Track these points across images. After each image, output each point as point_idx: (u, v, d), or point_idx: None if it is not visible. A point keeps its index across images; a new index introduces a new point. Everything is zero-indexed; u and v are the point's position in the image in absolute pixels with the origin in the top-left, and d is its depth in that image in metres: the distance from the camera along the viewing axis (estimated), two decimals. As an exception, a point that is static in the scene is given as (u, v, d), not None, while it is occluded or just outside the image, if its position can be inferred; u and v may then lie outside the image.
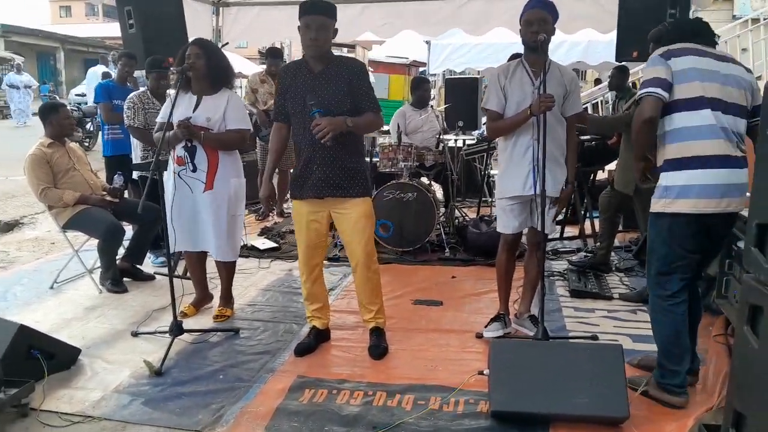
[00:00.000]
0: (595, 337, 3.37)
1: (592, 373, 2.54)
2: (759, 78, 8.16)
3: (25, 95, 16.52)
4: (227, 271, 3.82)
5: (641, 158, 2.71)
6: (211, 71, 3.47)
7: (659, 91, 2.51)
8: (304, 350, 3.28)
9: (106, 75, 9.20)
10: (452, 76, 10.72)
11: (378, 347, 3.27)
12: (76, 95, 14.59)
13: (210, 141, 3.49)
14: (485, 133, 6.09)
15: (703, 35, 2.67)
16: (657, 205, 2.62)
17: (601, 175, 5.98)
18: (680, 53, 2.57)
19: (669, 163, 2.58)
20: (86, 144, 11.90)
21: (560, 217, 3.51)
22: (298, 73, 3.11)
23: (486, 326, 3.46)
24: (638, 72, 9.85)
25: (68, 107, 5.43)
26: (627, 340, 3.38)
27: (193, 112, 3.49)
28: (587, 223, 5.46)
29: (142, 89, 4.80)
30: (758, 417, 1.95)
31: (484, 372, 2.80)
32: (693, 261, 2.64)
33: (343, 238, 3.30)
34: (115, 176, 4.47)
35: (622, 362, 2.57)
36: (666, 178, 2.59)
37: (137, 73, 5.67)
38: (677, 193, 2.54)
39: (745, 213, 2.27)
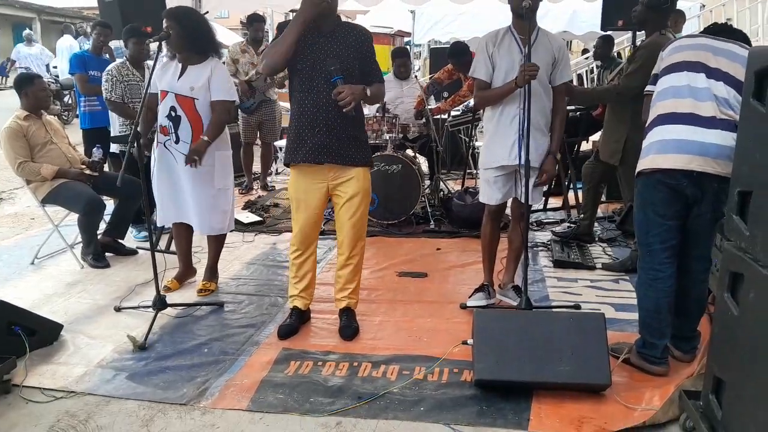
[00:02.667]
0: (577, 307, 3.40)
1: (574, 341, 2.56)
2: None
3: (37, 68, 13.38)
4: (216, 244, 3.79)
5: None
6: (188, 41, 3.37)
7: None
8: (288, 332, 3.19)
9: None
10: (437, 46, 10.62)
11: (349, 327, 3.19)
12: (54, 67, 14.07)
13: (214, 135, 3.43)
14: (470, 103, 6.06)
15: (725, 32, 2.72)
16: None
17: (585, 146, 5.99)
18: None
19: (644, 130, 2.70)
20: (65, 117, 11.67)
21: (544, 188, 3.50)
22: (304, 31, 2.89)
23: (470, 297, 3.48)
24: (623, 41, 9.83)
25: (45, 79, 5.31)
26: (609, 309, 3.41)
27: (177, 81, 3.42)
28: (571, 194, 5.48)
29: (120, 60, 4.69)
30: (737, 382, 1.98)
31: (468, 342, 2.81)
32: (671, 229, 2.59)
33: (336, 212, 3.16)
34: (94, 149, 4.39)
35: (605, 331, 2.59)
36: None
37: (115, 44, 5.53)
38: (643, 153, 2.62)
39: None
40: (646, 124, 2.70)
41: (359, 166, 3.05)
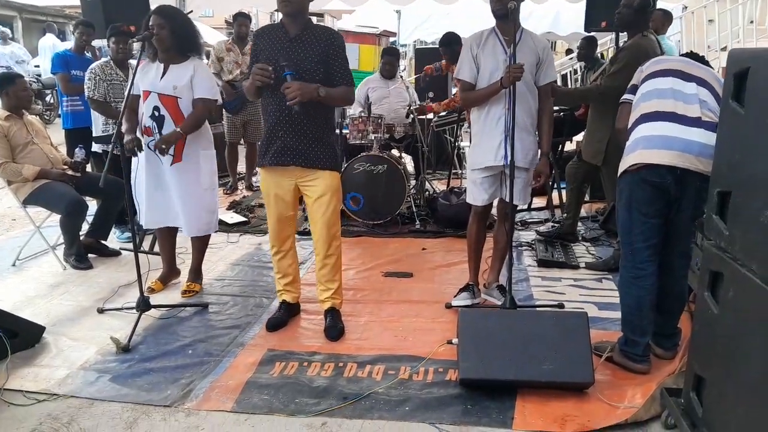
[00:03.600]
0: (561, 306, 3.43)
1: (558, 340, 2.58)
2: (724, 49, 8.27)
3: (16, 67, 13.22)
4: (200, 245, 3.77)
5: None
6: (176, 40, 3.35)
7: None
8: (275, 325, 3.25)
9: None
10: (423, 46, 10.64)
11: (335, 328, 3.19)
12: (35, 66, 13.89)
13: (188, 129, 3.39)
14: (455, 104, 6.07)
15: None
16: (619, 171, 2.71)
17: (569, 146, 6.03)
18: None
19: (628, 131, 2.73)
20: (47, 117, 11.54)
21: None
22: (273, 35, 3.00)
23: (455, 296, 3.49)
24: (606, 42, 9.91)
25: (26, 78, 5.24)
26: (593, 307, 3.44)
27: (160, 80, 3.39)
28: (555, 194, 5.52)
29: (104, 59, 4.64)
30: (717, 380, 2.01)
31: (453, 341, 2.83)
32: (654, 227, 2.62)
33: (309, 212, 3.19)
34: (77, 149, 4.35)
35: (587, 329, 2.62)
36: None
37: (98, 43, 5.48)
38: (628, 151, 2.65)
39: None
40: (628, 126, 2.75)
41: (325, 169, 3.04)
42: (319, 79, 2.91)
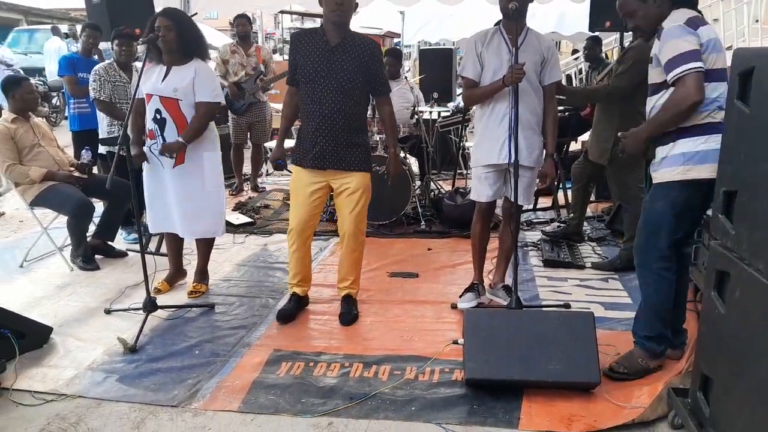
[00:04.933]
0: (567, 306, 3.42)
1: (564, 340, 2.58)
2: (729, 48, 8.24)
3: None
4: (205, 246, 3.78)
5: (651, 139, 2.58)
6: (182, 43, 3.36)
7: (700, 65, 2.36)
8: (286, 316, 3.35)
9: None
10: (427, 47, 10.64)
11: (349, 314, 3.34)
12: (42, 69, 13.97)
13: (190, 138, 3.40)
14: (460, 104, 6.08)
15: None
16: (672, 173, 2.50)
17: (574, 146, 6.02)
18: (701, 22, 2.46)
19: (688, 130, 2.46)
20: (53, 119, 11.60)
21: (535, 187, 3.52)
22: (314, 41, 3.12)
23: (460, 296, 3.49)
24: (611, 42, 9.89)
25: (33, 81, 5.28)
26: (599, 307, 3.44)
27: (161, 83, 3.40)
28: (560, 194, 5.52)
29: (108, 61, 4.67)
30: (724, 380, 2.01)
31: (459, 341, 2.83)
32: (683, 226, 2.60)
33: (338, 208, 3.34)
34: (83, 151, 4.37)
35: (594, 329, 2.61)
36: (683, 145, 2.46)
37: (103, 46, 5.51)
38: (698, 159, 2.44)
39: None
40: (696, 123, 2.46)
41: (359, 171, 3.23)
42: (358, 87, 3.12)
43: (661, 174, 2.56)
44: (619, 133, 2.74)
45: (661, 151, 2.56)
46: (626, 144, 2.65)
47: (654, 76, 2.58)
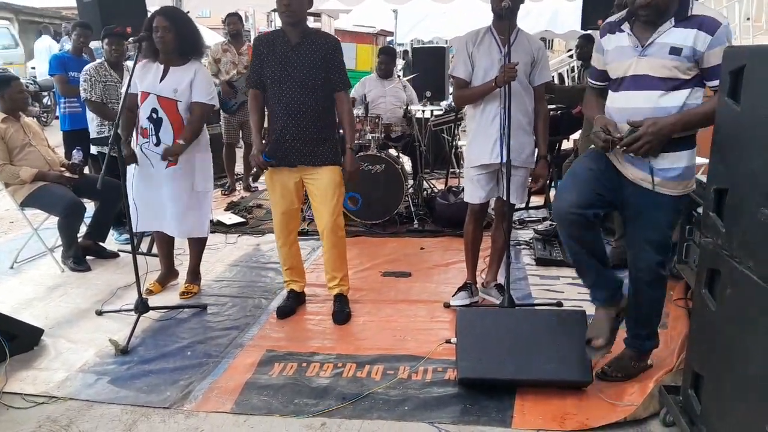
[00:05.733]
0: (559, 304, 3.43)
1: (556, 339, 2.59)
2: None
3: None
4: (197, 247, 3.76)
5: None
6: (180, 43, 3.34)
7: None
8: (285, 313, 3.41)
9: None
10: (419, 45, 10.64)
11: (342, 312, 3.36)
12: (32, 68, 13.86)
13: (189, 139, 3.39)
14: (453, 103, 6.07)
15: None
16: (683, 187, 2.41)
17: (566, 144, 6.03)
18: None
19: (689, 141, 2.37)
20: (44, 119, 11.52)
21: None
22: (275, 42, 3.16)
23: (453, 295, 3.49)
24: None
25: (23, 81, 5.24)
26: (591, 306, 3.42)
27: (160, 82, 3.38)
28: (552, 192, 5.52)
29: (99, 61, 4.64)
30: (715, 377, 2.02)
31: (452, 340, 2.83)
32: None
33: (313, 204, 3.37)
34: (74, 151, 4.34)
35: (585, 328, 2.62)
36: (688, 158, 2.37)
37: (94, 45, 5.47)
38: (692, 172, 2.42)
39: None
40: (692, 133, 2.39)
41: (328, 164, 3.24)
42: (320, 83, 3.13)
43: (673, 186, 2.38)
44: (598, 129, 2.41)
45: (678, 159, 2.36)
46: (651, 143, 2.27)
47: (679, 70, 2.27)
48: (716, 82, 2.18)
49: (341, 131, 3.38)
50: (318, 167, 3.22)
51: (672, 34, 2.27)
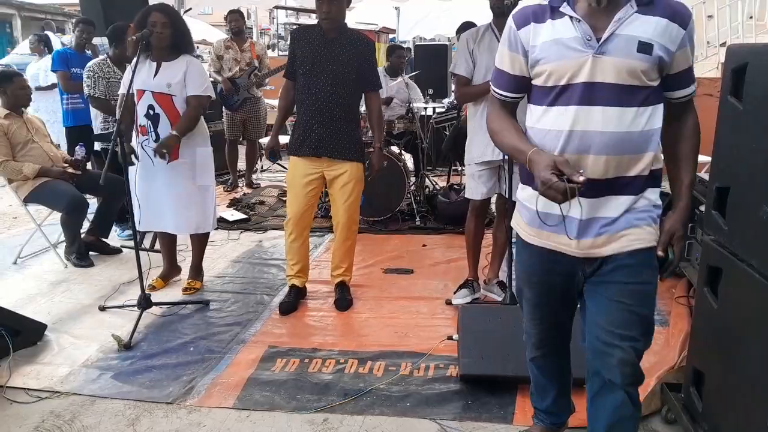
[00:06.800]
0: (562, 302, 3.43)
1: (558, 336, 2.58)
2: (723, 44, 8.26)
3: None
4: (199, 243, 3.77)
5: None
6: (176, 39, 3.37)
7: None
8: (288, 309, 3.43)
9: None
10: (422, 43, 10.63)
11: (344, 300, 3.47)
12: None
13: (183, 130, 3.39)
14: (455, 100, 6.07)
15: None
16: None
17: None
18: None
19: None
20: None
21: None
22: (312, 36, 3.27)
23: (455, 292, 3.50)
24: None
25: (25, 76, 5.24)
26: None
27: (153, 78, 3.39)
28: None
29: (101, 57, 4.64)
30: (717, 375, 2.02)
31: (454, 337, 2.84)
32: None
33: (332, 198, 3.46)
34: (77, 147, 4.34)
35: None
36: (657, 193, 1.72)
37: (96, 41, 5.48)
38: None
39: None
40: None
41: (352, 161, 3.32)
42: (352, 79, 3.24)
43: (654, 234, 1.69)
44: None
45: (655, 198, 1.69)
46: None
47: (647, 76, 1.58)
48: (687, 91, 1.66)
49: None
50: (342, 161, 3.29)
51: (636, 24, 1.57)
